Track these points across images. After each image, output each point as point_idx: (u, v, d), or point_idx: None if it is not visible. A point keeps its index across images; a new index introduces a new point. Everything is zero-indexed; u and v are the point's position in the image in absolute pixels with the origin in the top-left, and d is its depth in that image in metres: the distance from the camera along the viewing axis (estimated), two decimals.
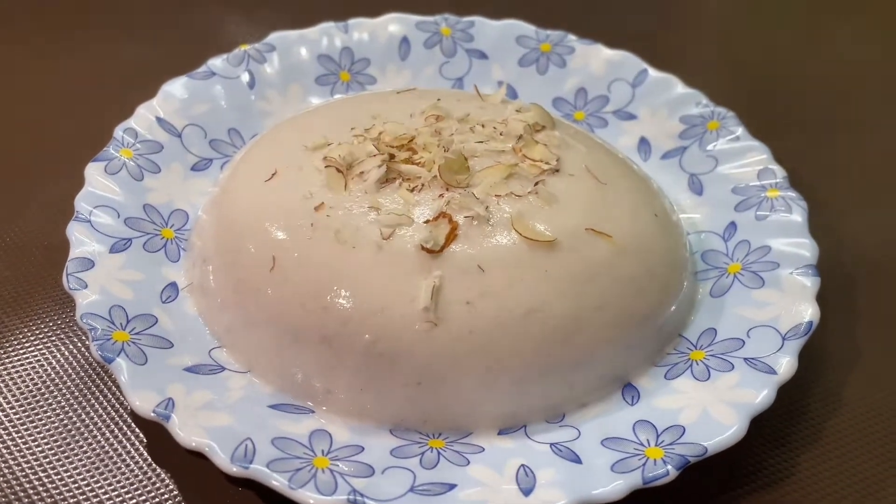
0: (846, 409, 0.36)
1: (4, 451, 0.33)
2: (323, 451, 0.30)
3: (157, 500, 0.32)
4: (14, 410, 0.35)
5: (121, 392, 0.32)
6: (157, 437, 0.33)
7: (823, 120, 0.52)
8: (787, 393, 0.35)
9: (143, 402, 0.30)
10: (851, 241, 0.44)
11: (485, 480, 0.30)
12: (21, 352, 0.37)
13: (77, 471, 0.33)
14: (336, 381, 0.33)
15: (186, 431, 0.30)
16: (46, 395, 0.35)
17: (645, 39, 0.53)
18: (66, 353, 0.37)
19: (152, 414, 0.30)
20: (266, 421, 0.31)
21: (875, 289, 0.41)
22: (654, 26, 0.55)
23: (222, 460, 0.29)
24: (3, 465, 0.33)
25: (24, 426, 0.34)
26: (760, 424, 0.34)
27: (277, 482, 0.28)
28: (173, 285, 0.36)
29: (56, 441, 0.34)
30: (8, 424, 0.34)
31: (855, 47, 0.59)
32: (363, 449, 0.31)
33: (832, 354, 0.38)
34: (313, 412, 0.33)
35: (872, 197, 0.47)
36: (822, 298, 0.35)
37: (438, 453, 0.31)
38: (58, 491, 0.32)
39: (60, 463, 0.33)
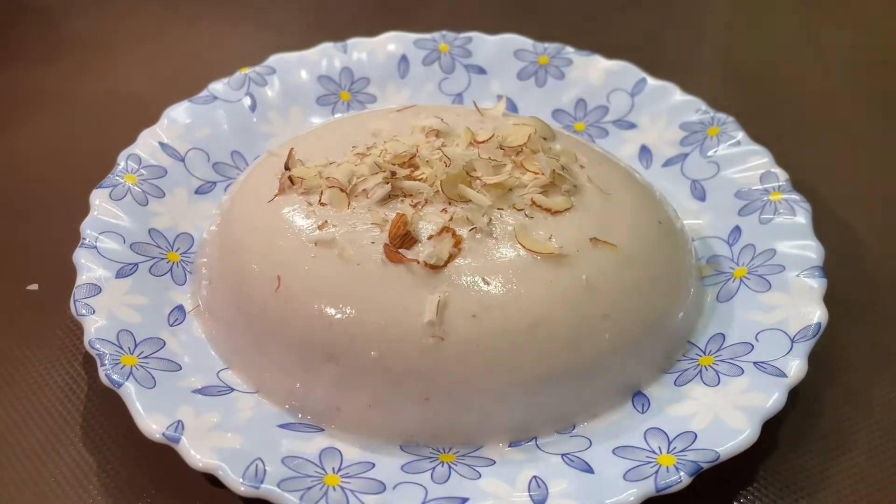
0: (860, 411, 0.36)
1: (17, 478, 0.33)
2: (334, 469, 0.30)
3: None
4: (27, 437, 0.35)
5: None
6: (169, 460, 0.33)
7: (823, 121, 0.53)
8: (800, 396, 0.35)
9: (153, 426, 0.30)
10: (856, 242, 0.44)
11: (497, 493, 0.30)
12: (30, 380, 0.37)
13: (88, 493, 0.33)
14: (344, 399, 0.33)
15: (196, 453, 0.30)
16: (58, 420, 0.35)
17: (641, 49, 0.53)
18: (77, 378, 0.37)
19: (162, 437, 0.30)
20: (276, 440, 0.31)
21: (882, 289, 0.41)
22: (650, 35, 0.55)
23: (233, 481, 0.29)
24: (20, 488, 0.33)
25: (38, 454, 0.34)
26: (774, 428, 0.34)
27: (289, 501, 0.28)
28: (180, 308, 0.37)
29: (69, 467, 0.34)
30: (21, 453, 0.34)
31: (851, 49, 0.59)
32: (374, 465, 0.31)
33: (842, 356, 0.38)
34: (323, 430, 0.33)
35: (875, 196, 0.47)
36: (829, 300, 0.35)
37: (449, 467, 0.31)
38: None
39: (73, 489, 0.33)
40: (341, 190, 0.35)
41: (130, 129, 0.42)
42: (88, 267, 0.36)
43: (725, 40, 0.61)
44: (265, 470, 0.29)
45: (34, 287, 0.41)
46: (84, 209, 0.38)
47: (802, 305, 0.35)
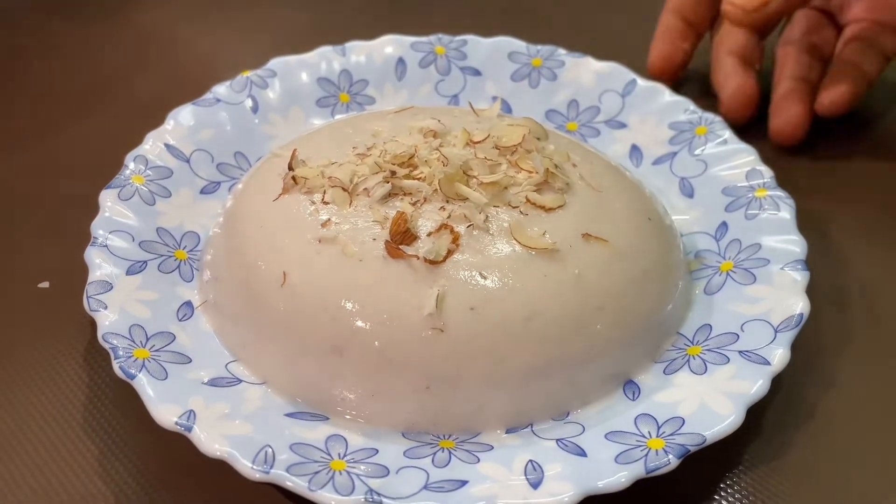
0: (839, 397, 0.37)
1: (34, 469, 0.35)
2: (339, 455, 0.32)
3: None
4: (42, 429, 0.36)
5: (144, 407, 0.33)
6: (176, 450, 0.34)
7: None
8: (783, 383, 0.37)
9: (166, 415, 0.32)
10: (838, 236, 0.45)
11: (495, 476, 0.31)
12: (43, 374, 0.38)
13: (104, 482, 0.34)
14: (348, 389, 0.34)
15: (208, 441, 0.31)
16: (72, 412, 0.36)
17: (632, 50, 0.54)
18: (87, 372, 0.38)
19: (175, 426, 0.31)
20: (283, 429, 0.33)
21: (862, 281, 0.43)
22: (641, 37, 0.57)
23: (244, 466, 0.30)
24: (36, 482, 0.34)
25: (54, 444, 0.35)
26: (758, 413, 0.35)
27: (297, 485, 0.30)
28: (188, 304, 0.38)
29: (83, 455, 0.35)
30: (38, 444, 0.35)
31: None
32: (377, 451, 0.32)
33: (825, 347, 0.39)
34: (328, 419, 0.34)
35: (856, 192, 0.48)
36: (812, 293, 0.37)
37: (449, 453, 0.33)
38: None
39: (87, 476, 0.34)
40: (343, 189, 0.37)
41: (137, 130, 0.44)
42: (99, 265, 0.37)
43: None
44: (274, 456, 0.31)
45: (45, 285, 0.42)
46: (93, 209, 0.39)
47: (786, 297, 0.36)
